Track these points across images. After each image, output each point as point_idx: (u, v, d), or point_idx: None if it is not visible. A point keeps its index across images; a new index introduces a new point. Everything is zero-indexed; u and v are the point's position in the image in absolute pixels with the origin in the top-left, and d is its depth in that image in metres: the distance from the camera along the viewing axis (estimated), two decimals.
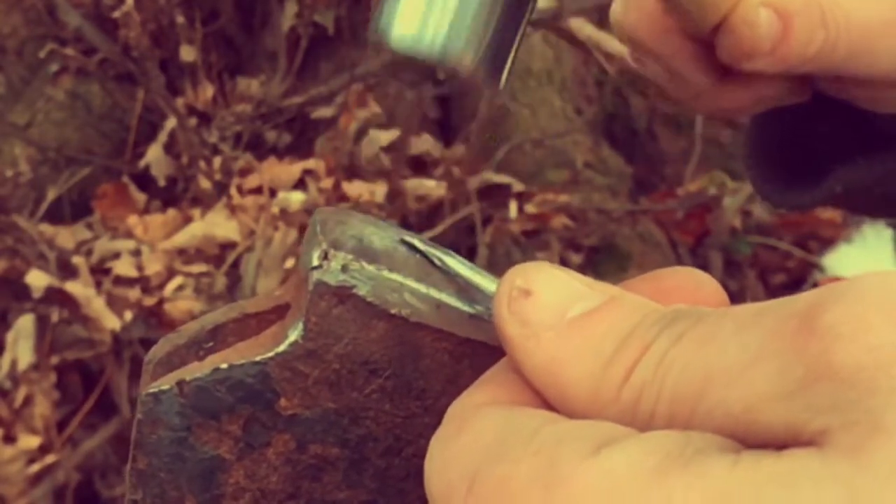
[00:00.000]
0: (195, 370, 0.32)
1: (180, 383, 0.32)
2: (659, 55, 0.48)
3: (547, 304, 0.28)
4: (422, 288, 0.32)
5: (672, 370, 0.26)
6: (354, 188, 2.12)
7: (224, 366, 0.32)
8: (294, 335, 0.32)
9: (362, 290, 0.32)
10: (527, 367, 0.28)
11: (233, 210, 2.06)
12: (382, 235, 0.33)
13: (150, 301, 1.94)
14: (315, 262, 0.32)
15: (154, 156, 2.18)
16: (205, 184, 2.12)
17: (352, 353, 0.32)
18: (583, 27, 2.17)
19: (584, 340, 0.28)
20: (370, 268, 0.32)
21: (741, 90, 0.49)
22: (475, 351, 0.32)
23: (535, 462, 0.25)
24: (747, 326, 0.25)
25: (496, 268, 2.08)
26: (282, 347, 0.32)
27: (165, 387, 0.32)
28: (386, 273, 0.32)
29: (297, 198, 2.07)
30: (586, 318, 0.28)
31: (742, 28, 0.45)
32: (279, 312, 0.35)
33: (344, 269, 0.32)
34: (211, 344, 0.35)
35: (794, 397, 0.23)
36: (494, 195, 2.17)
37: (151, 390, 0.32)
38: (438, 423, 0.32)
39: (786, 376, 0.23)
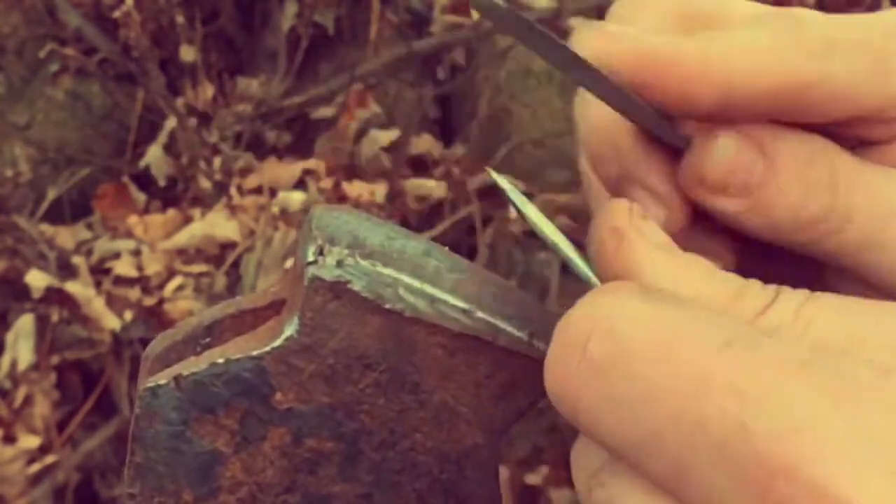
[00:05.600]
0: (192, 365, 0.33)
1: (177, 378, 0.32)
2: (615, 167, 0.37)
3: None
4: (416, 283, 0.32)
5: (814, 323, 0.29)
6: (354, 188, 2.12)
7: (221, 360, 0.32)
8: (290, 330, 0.32)
9: (357, 286, 0.32)
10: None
11: (233, 210, 2.06)
12: (377, 231, 0.34)
13: (150, 301, 1.94)
14: (310, 258, 0.32)
15: (154, 156, 2.19)
16: (205, 184, 2.12)
17: (347, 348, 0.32)
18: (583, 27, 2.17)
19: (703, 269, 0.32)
20: (365, 263, 0.32)
21: (708, 242, 0.37)
22: (469, 345, 0.33)
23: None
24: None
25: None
26: (278, 342, 0.32)
27: (163, 381, 0.33)
28: (381, 268, 0.32)
29: (297, 198, 2.07)
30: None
31: (703, 146, 0.35)
32: (275, 308, 0.35)
33: (339, 264, 0.32)
34: (208, 339, 0.35)
35: None
36: (494, 195, 2.17)
37: (149, 385, 0.33)
38: (432, 416, 0.33)
39: None
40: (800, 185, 0.35)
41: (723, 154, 0.34)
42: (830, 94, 0.34)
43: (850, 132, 0.35)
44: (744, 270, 0.34)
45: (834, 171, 0.35)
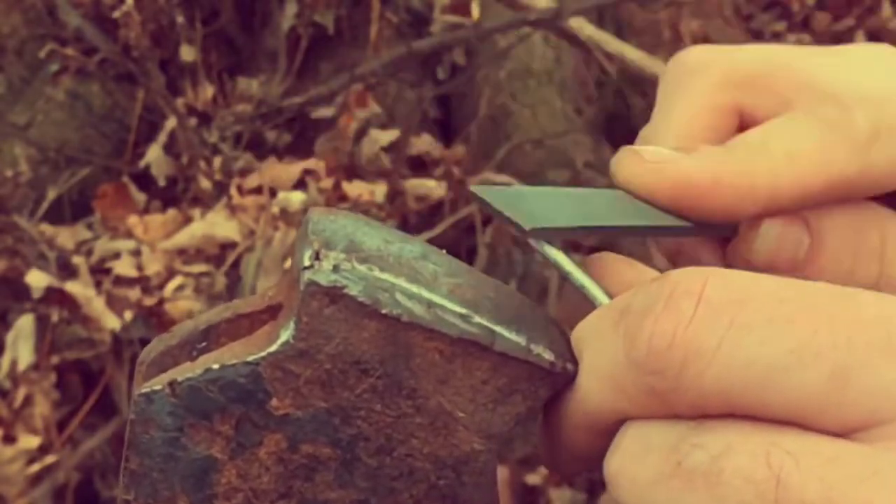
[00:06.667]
0: (187, 370, 0.32)
1: (172, 383, 0.32)
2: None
3: None
4: (413, 287, 0.32)
5: None
6: (354, 188, 2.12)
7: (216, 366, 0.32)
8: (286, 335, 0.32)
9: (353, 290, 0.32)
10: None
11: (233, 210, 2.06)
12: (374, 235, 0.33)
13: (150, 301, 1.94)
14: (306, 262, 0.32)
15: (154, 156, 2.18)
16: (205, 184, 2.12)
17: (343, 353, 0.32)
18: (583, 27, 2.17)
19: None
20: (361, 268, 0.32)
21: None
22: (467, 351, 0.32)
23: None
24: None
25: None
26: (273, 347, 0.32)
27: (157, 387, 0.32)
28: (377, 273, 0.32)
29: (297, 198, 2.07)
30: None
31: (748, 234, 0.36)
32: (271, 312, 0.35)
33: (335, 269, 0.32)
34: (203, 344, 0.35)
35: None
36: None
37: (143, 391, 0.32)
38: (430, 422, 0.33)
39: None
40: (848, 257, 0.35)
41: (767, 240, 0.35)
42: (873, 180, 0.34)
43: None
44: None
45: (883, 239, 0.35)
